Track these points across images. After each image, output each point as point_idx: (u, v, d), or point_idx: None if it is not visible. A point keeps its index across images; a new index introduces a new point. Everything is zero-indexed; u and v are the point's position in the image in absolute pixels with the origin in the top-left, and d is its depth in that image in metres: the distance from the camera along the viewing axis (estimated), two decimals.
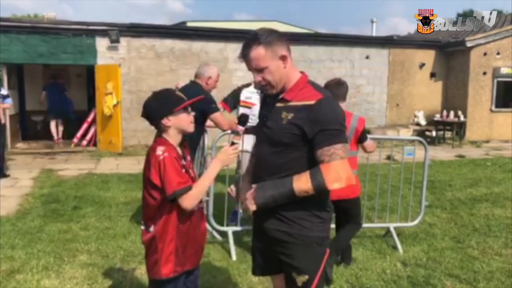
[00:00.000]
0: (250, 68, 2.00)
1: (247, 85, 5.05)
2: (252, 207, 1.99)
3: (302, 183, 1.89)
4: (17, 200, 6.03)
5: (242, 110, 4.93)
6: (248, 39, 1.97)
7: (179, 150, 2.18)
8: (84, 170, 8.17)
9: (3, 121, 7.48)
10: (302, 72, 2.06)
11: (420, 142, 4.73)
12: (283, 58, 1.96)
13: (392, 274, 3.74)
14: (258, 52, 1.93)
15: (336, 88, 3.51)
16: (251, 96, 4.88)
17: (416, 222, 4.71)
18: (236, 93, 5.07)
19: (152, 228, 2.12)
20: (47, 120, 11.51)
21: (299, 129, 1.91)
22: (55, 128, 11.41)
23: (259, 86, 2.05)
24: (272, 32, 1.97)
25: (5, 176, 7.44)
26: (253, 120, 3.34)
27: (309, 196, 1.91)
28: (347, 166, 1.91)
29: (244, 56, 1.98)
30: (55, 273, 3.70)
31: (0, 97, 7.33)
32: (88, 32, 10.63)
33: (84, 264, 3.87)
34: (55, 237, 4.53)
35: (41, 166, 8.54)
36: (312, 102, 1.90)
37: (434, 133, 13.23)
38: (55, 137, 11.40)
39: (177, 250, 2.11)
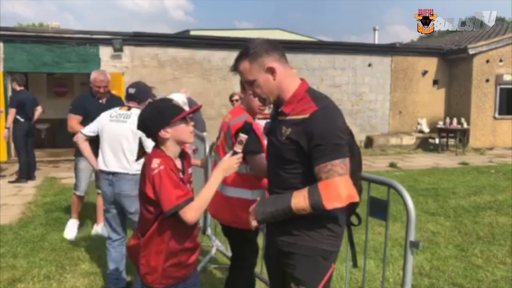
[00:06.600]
0: (242, 81, 1.97)
1: None
2: (254, 223, 1.92)
3: (299, 200, 1.80)
4: (19, 209, 6.04)
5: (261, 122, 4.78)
6: (240, 52, 1.91)
7: (178, 163, 2.06)
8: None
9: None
10: (302, 79, 1.96)
11: None
12: (271, 70, 1.87)
13: (395, 283, 3.71)
14: (244, 65, 1.89)
15: None
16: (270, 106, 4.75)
17: None
18: None
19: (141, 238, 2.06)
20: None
21: (297, 144, 1.82)
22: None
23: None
24: (262, 43, 1.89)
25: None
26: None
27: (321, 213, 1.81)
28: (348, 183, 1.80)
29: (234, 69, 1.95)
30: (57, 282, 3.70)
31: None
32: (91, 41, 10.73)
33: (85, 273, 3.86)
34: (57, 246, 4.53)
35: (44, 174, 8.58)
36: (306, 116, 1.81)
37: (437, 141, 13.21)
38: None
39: (165, 263, 2.03)
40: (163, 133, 1.99)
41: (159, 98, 2.22)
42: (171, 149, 2.03)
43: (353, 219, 2.20)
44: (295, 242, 1.91)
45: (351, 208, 2.02)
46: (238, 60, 1.91)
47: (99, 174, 3.55)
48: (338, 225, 1.94)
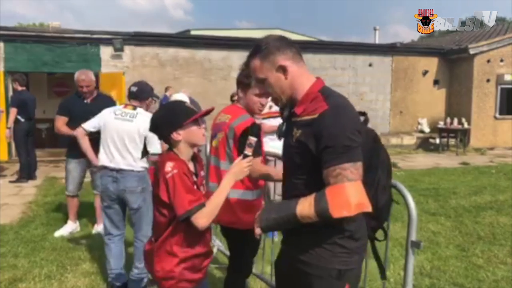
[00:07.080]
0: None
1: None
2: (257, 231, 1.77)
3: (304, 207, 1.63)
4: (20, 208, 6.05)
5: (272, 122, 4.55)
6: (252, 49, 1.82)
7: (191, 165, 2.05)
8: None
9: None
10: (317, 78, 1.82)
11: None
12: (282, 68, 1.75)
13: (396, 283, 3.71)
14: (255, 63, 1.79)
15: None
16: (272, 105, 4.46)
17: None
18: None
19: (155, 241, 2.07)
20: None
21: (305, 147, 1.68)
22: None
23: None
24: (274, 40, 1.78)
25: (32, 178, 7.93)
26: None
27: (328, 222, 1.63)
28: (359, 189, 1.61)
29: (246, 66, 1.89)
30: (58, 281, 3.70)
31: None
32: (92, 40, 10.74)
33: (86, 273, 3.87)
34: (58, 245, 4.54)
35: (45, 174, 8.58)
36: (316, 116, 1.66)
37: (438, 141, 13.21)
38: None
39: (179, 265, 2.02)
40: (175, 135, 1.99)
41: (172, 101, 2.23)
42: (184, 152, 2.03)
43: (378, 235, 2.06)
44: (305, 260, 1.77)
45: (378, 223, 1.93)
46: (249, 57, 1.82)
47: (95, 174, 3.56)
48: (354, 239, 1.74)
